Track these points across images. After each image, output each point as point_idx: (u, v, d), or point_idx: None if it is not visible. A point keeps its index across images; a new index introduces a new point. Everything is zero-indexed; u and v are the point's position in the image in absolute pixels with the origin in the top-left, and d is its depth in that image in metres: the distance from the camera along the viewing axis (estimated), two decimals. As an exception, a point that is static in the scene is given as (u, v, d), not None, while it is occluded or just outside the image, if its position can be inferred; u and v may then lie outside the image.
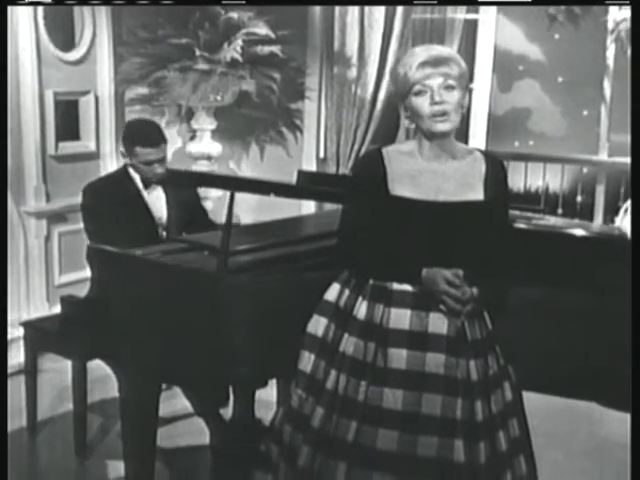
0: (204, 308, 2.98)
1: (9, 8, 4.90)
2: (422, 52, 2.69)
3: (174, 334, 3.05)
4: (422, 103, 2.63)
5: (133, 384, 3.26)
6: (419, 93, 2.63)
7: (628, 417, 4.36)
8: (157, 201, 4.20)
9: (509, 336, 2.81)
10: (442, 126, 2.64)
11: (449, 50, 2.76)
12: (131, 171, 4.18)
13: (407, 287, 2.64)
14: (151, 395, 3.28)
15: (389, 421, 2.57)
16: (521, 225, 3.37)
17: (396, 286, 2.65)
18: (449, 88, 2.63)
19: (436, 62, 2.62)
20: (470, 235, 2.67)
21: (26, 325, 4.35)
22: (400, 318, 2.63)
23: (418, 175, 2.68)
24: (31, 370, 4.26)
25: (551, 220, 4.03)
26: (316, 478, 2.63)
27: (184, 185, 4.22)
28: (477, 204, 2.69)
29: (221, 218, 5.15)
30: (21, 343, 4.43)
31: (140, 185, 4.18)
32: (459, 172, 2.70)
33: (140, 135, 4.16)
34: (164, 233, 4.18)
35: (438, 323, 2.63)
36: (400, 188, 2.67)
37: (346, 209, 2.85)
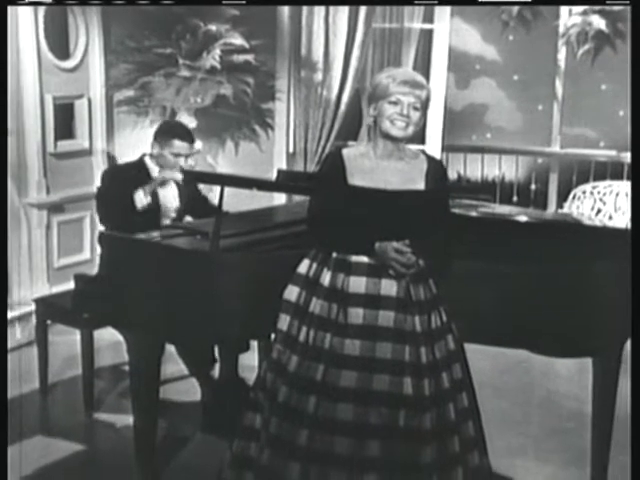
0: (199, 281, 3.53)
1: (13, 17, 5.44)
2: (407, 73, 3.40)
3: (173, 303, 3.58)
4: (391, 110, 3.25)
5: (139, 345, 3.75)
6: (392, 102, 3.25)
7: (573, 372, 4.97)
8: (169, 191, 4.68)
9: (456, 298, 3.37)
10: (398, 132, 3.27)
11: (425, 81, 3.35)
12: (148, 162, 4.64)
13: (363, 259, 3.24)
14: (154, 354, 3.78)
15: (350, 364, 3.16)
16: (472, 213, 4.02)
17: (354, 258, 3.24)
18: (415, 108, 3.26)
19: (414, 85, 3.27)
20: (413, 216, 3.28)
21: (37, 301, 4.86)
22: (357, 284, 3.22)
23: (371, 171, 3.29)
24: (42, 340, 4.76)
25: (497, 208, 4.67)
26: (292, 411, 3.23)
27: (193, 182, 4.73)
28: (418, 192, 3.30)
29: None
30: (32, 318, 5.02)
31: (153, 174, 4.62)
32: (405, 169, 3.32)
33: (181, 131, 4.69)
34: (166, 220, 4.62)
35: (388, 287, 3.22)
36: (356, 180, 3.28)
37: (314, 198, 3.45)
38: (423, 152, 3.48)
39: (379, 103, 3.29)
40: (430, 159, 3.43)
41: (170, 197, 4.69)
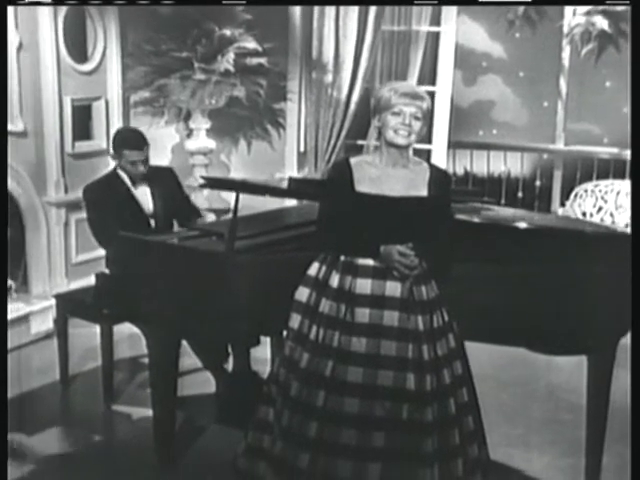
0: (215, 282, 3.73)
1: (33, 21, 5.65)
2: (407, 86, 3.62)
3: (190, 301, 3.78)
4: (394, 120, 3.43)
5: (158, 342, 3.95)
6: (395, 113, 3.43)
7: (572, 366, 5.06)
8: (144, 195, 4.82)
9: (457, 299, 3.53)
10: (401, 140, 3.44)
11: (425, 93, 3.53)
12: (120, 172, 4.80)
13: (369, 262, 3.41)
14: (172, 350, 3.98)
15: (356, 360, 3.34)
16: (475, 218, 4.13)
17: (361, 261, 3.42)
18: (417, 118, 3.44)
19: (414, 96, 3.45)
20: (416, 221, 3.45)
21: (57, 297, 5.04)
22: (364, 285, 3.40)
23: (376, 178, 3.46)
24: (62, 334, 4.95)
25: (500, 211, 4.79)
26: (303, 404, 3.41)
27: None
28: (421, 198, 3.47)
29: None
30: (51, 312, 5.23)
31: (129, 183, 4.80)
32: (408, 177, 3.49)
33: (127, 140, 4.80)
34: (153, 221, 4.81)
35: (393, 288, 3.39)
36: (363, 187, 3.45)
37: (323, 204, 3.62)
38: (427, 161, 3.67)
39: (383, 114, 3.47)
40: (433, 167, 3.61)
41: (145, 199, 4.84)
